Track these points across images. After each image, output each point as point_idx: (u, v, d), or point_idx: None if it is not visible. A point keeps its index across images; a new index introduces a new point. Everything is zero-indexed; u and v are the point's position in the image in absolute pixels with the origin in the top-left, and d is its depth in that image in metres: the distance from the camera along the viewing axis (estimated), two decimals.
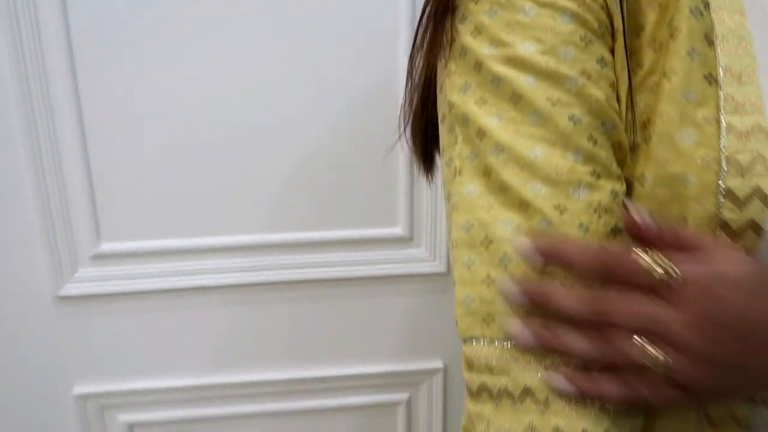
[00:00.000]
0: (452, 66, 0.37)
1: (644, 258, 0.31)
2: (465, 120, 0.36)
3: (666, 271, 0.30)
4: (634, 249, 0.32)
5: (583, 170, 0.33)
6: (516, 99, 0.34)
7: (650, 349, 0.30)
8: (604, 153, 0.34)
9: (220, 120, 0.75)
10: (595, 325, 0.32)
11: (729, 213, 0.32)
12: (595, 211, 0.33)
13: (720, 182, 0.32)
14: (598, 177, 0.34)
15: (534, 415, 0.31)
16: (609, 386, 0.32)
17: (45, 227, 0.75)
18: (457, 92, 0.36)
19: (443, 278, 0.86)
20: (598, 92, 0.34)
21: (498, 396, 0.33)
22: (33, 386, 0.83)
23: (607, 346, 0.31)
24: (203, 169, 0.77)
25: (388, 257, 0.83)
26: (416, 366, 0.90)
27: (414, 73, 0.43)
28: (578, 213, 0.33)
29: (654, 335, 0.30)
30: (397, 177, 0.81)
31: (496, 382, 0.33)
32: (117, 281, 0.79)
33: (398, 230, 0.82)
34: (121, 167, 0.75)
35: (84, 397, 0.84)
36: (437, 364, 0.90)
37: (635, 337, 0.31)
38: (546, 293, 0.33)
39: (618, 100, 0.35)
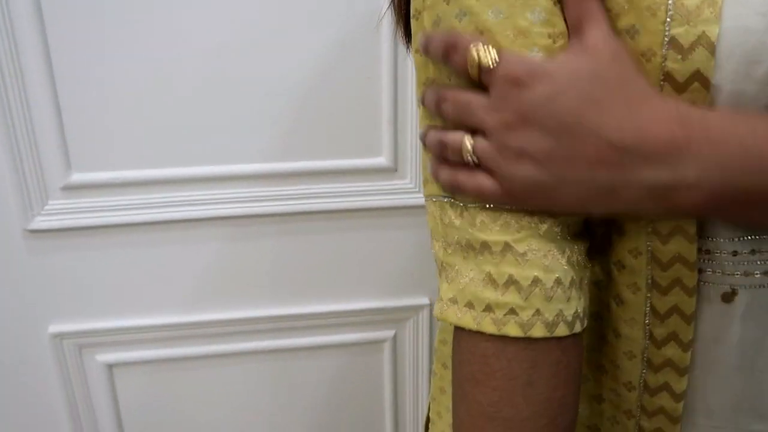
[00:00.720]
0: None
1: (473, 47, 0.31)
2: None
3: (485, 61, 0.31)
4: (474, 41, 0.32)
5: (540, 32, 0.32)
6: None
7: (458, 134, 0.33)
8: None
9: (199, 46, 0.71)
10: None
11: (672, 63, 0.30)
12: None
13: (665, 30, 0.30)
14: (555, 40, 0.32)
15: (491, 266, 0.34)
16: (442, 173, 0.35)
17: (11, 157, 0.71)
18: None
19: None
20: None
21: (465, 248, 0.35)
22: (6, 325, 0.80)
23: (443, 136, 0.35)
24: (182, 97, 0.73)
25: (372, 188, 0.81)
26: (402, 302, 0.88)
27: None
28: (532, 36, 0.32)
29: (465, 121, 0.33)
30: (381, 106, 0.78)
31: (462, 237, 0.35)
32: (91, 213, 0.76)
33: (382, 160, 0.80)
34: (91, 92, 0.71)
35: (60, 336, 0.82)
36: (423, 300, 0.89)
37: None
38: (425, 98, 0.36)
39: None
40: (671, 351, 0.37)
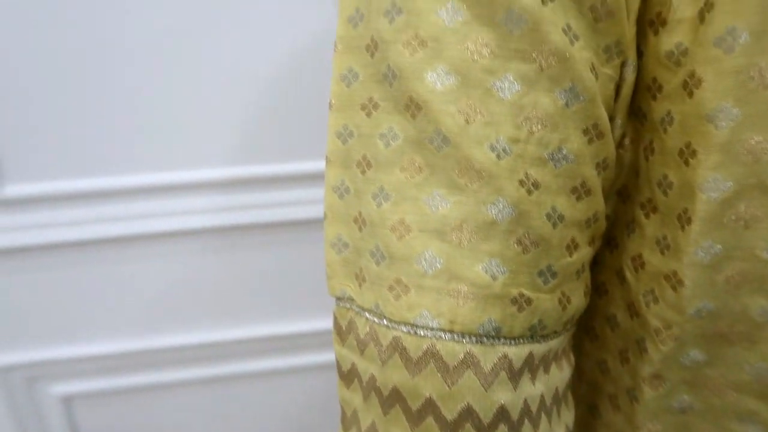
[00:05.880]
0: None
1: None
2: None
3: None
4: None
5: (515, 47, 0.23)
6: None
7: None
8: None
9: (147, 29, 0.60)
10: None
11: None
12: (526, 119, 0.23)
13: None
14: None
15: (401, 428, 0.24)
16: None
17: None
18: None
19: None
20: None
21: (367, 388, 0.26)
22: None
23: None
24: (130, 91, 0.62)
25: None
26: None
27: None
28: (496, 123, 0.23)
29: None
30: None
31: (366, 369, 0.26)
32: (31, 231, 0.66)
33: None
34: (21, 89, 0.61)
35: (7, 369, 0.72)
36: None
37: None
38: None
39: None
40: None
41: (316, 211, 0.70)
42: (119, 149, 0.65)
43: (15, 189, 0.64)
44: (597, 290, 0.33)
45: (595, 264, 0.32)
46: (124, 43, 0.60)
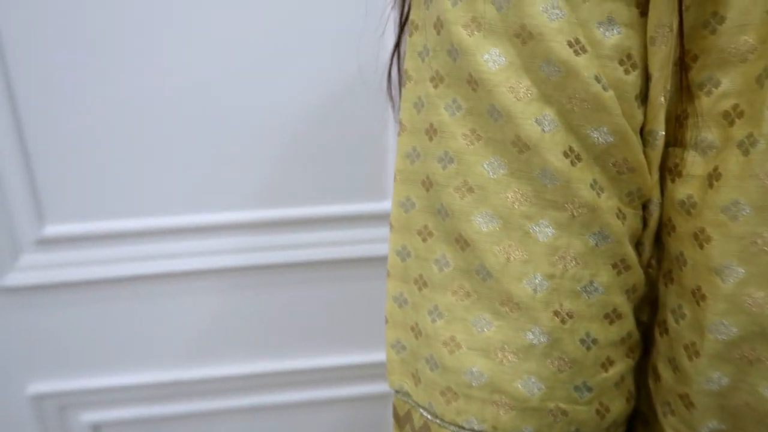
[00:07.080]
0: (416, 15, 0.29)
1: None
2: (419, 103, 0.28)
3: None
4: None
5: (549, 198, 0.26)
6: (474, 83, 0.26)
7: None
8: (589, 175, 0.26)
9: (179, 82, 0.63)
10: None
11: None
12: (560, 258, 0.26)
13: None
14: (566, 208, 0.26)
15: None
16: None
17: None
18: (414, 58, 0.29)
19: None
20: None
21: None
22: None
23: None
24: (164, 139, 0.65)
25: (378, 236, 0.73)
26: None
27: (403, 7, 0.35)
28: (533, 261, 0.26)
29: None
30: (387, 144, 0.70)
31: None
32: (68, 269, 0.69)
33: (388, 205, 0.72)
34: (62, 136, 0.64)
35: (40, 397, 0.75)
36: None
37: None
38: None
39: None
40: None
41: (339, 251, 0.72)
42: (154, 192, 0.67)
43: (54, 229, 0.67)
44: None
45: None
46: (159, 90, 0.63)
